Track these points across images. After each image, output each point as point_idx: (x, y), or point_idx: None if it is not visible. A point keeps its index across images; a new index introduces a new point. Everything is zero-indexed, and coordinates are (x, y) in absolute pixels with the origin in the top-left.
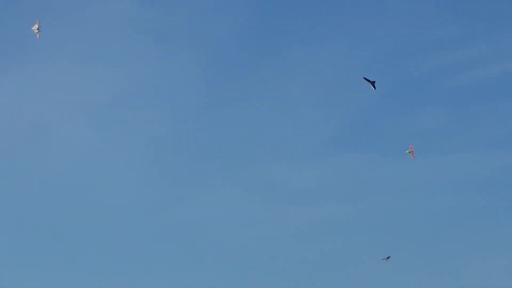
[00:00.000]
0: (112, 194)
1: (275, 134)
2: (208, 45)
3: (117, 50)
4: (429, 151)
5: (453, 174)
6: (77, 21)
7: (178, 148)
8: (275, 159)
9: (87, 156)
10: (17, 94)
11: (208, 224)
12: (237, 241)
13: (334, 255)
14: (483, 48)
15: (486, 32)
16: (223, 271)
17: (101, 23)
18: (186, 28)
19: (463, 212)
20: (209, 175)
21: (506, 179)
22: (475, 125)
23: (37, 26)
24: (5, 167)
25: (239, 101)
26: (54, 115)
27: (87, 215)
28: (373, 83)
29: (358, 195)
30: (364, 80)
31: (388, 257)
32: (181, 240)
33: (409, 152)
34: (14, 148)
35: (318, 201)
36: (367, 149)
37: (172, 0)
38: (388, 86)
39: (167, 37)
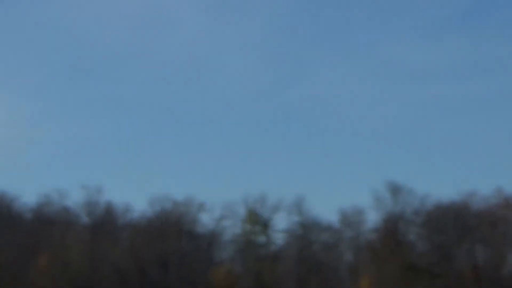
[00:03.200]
0: (231, 75)
1: (393, 13)
2: None
3: None
4: None
5: None
6: None
7: (297, 29)
8: (393, 38)
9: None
10: None
11: (327, 102)
12: (355, 119)
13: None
14: None
15: None
16: (337, 148)
17: None
18: None
19: None
20: (329, 55)
21: None
22: None
23: None
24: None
25: None
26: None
27: (202, 98)
28: None
29: (475, 75)
30: None
31: None
32: (299, 119)
33: None
34: None
35: (435, 81)
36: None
37: None
38: None
39: None
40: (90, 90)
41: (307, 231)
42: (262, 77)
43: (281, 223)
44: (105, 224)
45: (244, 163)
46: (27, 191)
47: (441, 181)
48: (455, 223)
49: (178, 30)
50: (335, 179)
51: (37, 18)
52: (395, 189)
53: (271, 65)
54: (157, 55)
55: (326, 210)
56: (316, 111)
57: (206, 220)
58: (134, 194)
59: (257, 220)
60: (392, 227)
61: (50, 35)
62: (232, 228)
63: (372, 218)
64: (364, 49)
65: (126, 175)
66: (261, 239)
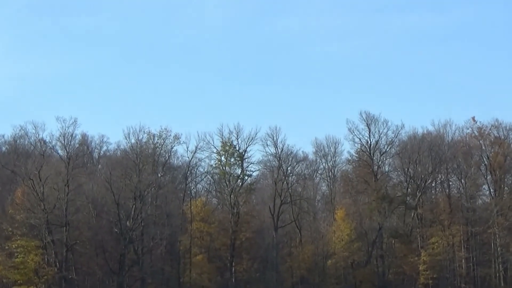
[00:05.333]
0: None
1: None
2: None
3: None
4: None
5: None
6: None
7: None
8: None
9: None
10: None
11: (303, 35)
12: (332, 52)
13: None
14: None
15: None
16: (313, 80)
17: None
18: None
19: None
20: None
21: None
22: None
23: None
24: None
25: None
26: None
27: (179, 30)
28: None
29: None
30: None
31: None
32: (275, 51)
33: None
34: None
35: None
36: None
37: None
38: None
39: None
40: (66, 23)
41: (282, 162)
42: (242, 9)
43: (257, 155)
44: (81, 156)
45: (220, 95)
46: (2, 125)
47: (415, 113)
48: (429, 154)
49: None
50: (311, 111)
51: None
52: (370, 120)
53: None
54: None
55: (302, 141)
56: (293, 44)
57: (181, 152)
58: (110, 126)
59: (232, 151)
60: (366, 158)
61: None
62: (208, 160)
63: (347, 149)
64: None
65: (101, 108)
66: (237, 170)
